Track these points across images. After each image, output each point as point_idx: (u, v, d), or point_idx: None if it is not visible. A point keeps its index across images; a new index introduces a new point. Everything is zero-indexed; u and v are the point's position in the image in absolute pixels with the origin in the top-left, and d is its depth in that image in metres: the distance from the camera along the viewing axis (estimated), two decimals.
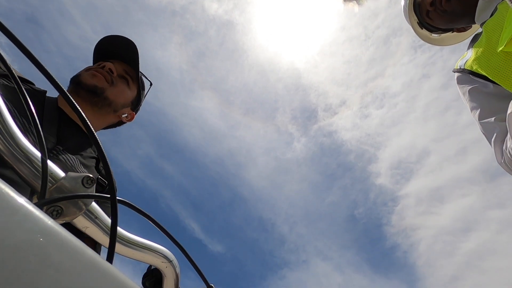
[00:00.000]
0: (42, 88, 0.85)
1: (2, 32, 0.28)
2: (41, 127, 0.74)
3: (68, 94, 0.31)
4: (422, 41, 1.16)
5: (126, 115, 1.03)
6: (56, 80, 0.30)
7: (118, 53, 1.00)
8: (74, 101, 0.31)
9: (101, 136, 1.03)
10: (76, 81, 0.89)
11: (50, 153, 0.69)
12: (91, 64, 1.01)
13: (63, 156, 0.72)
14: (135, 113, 1.07)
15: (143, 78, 1.08)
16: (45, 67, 0.30)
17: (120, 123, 1.06)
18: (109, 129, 1.06)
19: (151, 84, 1.10)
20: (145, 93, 1.10)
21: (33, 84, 0.84)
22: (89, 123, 0.32)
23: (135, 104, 1.06)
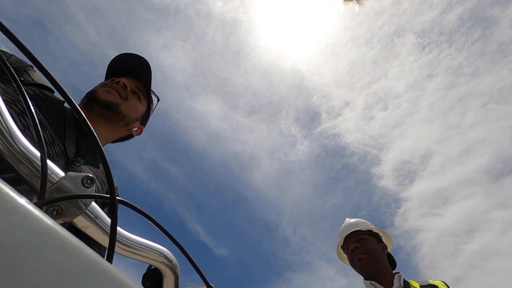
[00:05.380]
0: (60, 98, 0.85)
1: (11, 40, 0.28)
2: (64, 137, 0.74)
3: (73, 100, 0.31)
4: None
5: (136, 128, 1.07)
6: (65, 90, 0.30)
7: (131, 70, 1.03)
8: (77, 106, 0.31)
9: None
10: (91, 96, 0.91)
11: (72, 164, 0.69)
12: (102, 79, 1.03)
13: (84, 170, 0.72)
14: (144, 127, 1.11)
15: (152, 94, 1.12)
16: (55, 78, 0.30)
17: (129, 136, 1.09)
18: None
19: (158, 100, 1.14)
20: (153, 108, 1.14)
21: (53, 92, 0.84)
22: (89, 123, 0.32)
23: (145, 119, 1.10)
